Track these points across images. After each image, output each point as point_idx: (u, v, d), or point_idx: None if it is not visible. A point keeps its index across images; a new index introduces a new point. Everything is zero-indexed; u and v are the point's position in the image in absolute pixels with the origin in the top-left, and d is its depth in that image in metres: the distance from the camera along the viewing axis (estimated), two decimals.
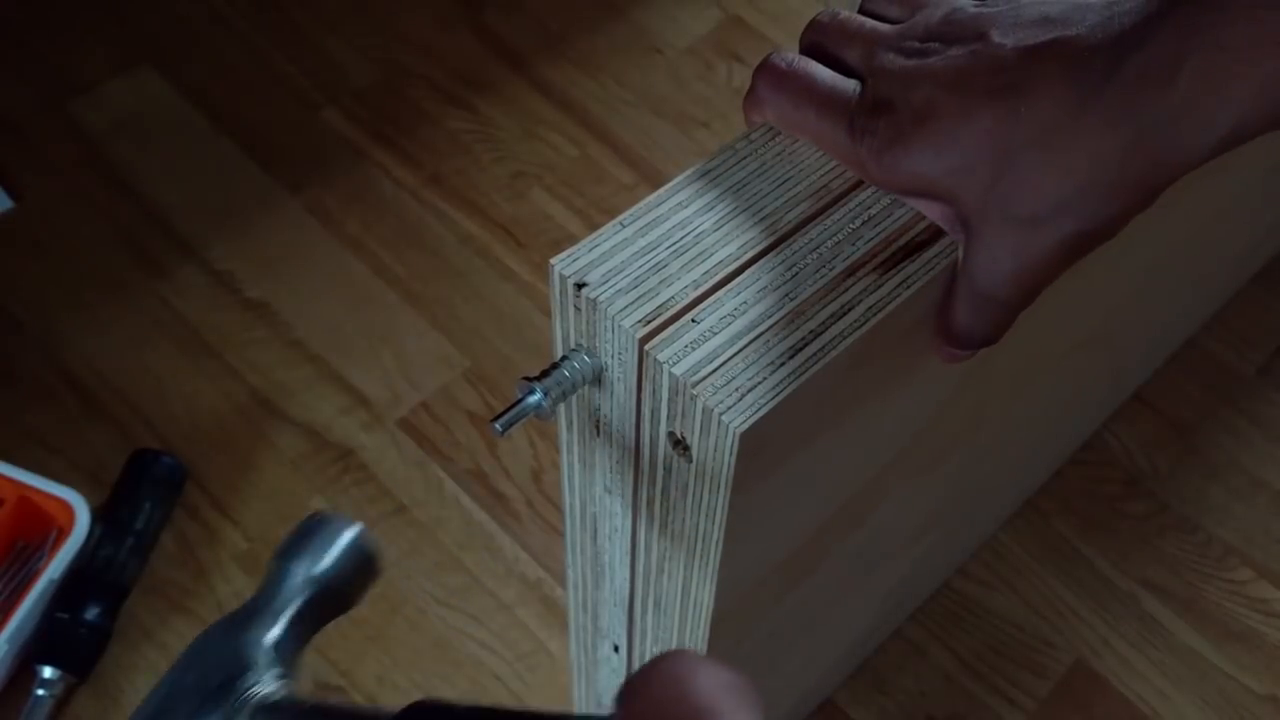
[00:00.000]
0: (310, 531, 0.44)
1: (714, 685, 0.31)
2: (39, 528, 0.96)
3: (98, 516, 0.97)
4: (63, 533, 0.94)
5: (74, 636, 0.92)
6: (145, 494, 0.99)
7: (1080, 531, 1.04)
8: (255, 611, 0.42)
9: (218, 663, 0.41)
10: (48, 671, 0.91)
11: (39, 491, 0.95)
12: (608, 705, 0.65)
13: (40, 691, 0.91)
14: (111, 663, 0.94)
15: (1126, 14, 0.40)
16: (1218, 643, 0.99)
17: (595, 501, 0.55)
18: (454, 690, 0.94)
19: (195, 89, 1.28)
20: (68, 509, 0.95)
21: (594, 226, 1.12)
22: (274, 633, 0.42)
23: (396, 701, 0.93)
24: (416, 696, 0.94)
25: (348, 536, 0.44)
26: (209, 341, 1.11)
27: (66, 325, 1.11)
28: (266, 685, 0.40)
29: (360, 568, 0.44)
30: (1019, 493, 1.02)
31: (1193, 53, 0.39)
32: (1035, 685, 0.97)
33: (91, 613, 0.93)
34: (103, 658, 0.94)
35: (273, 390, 1.08)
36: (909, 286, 0.45)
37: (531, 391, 0.45)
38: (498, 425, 0.45)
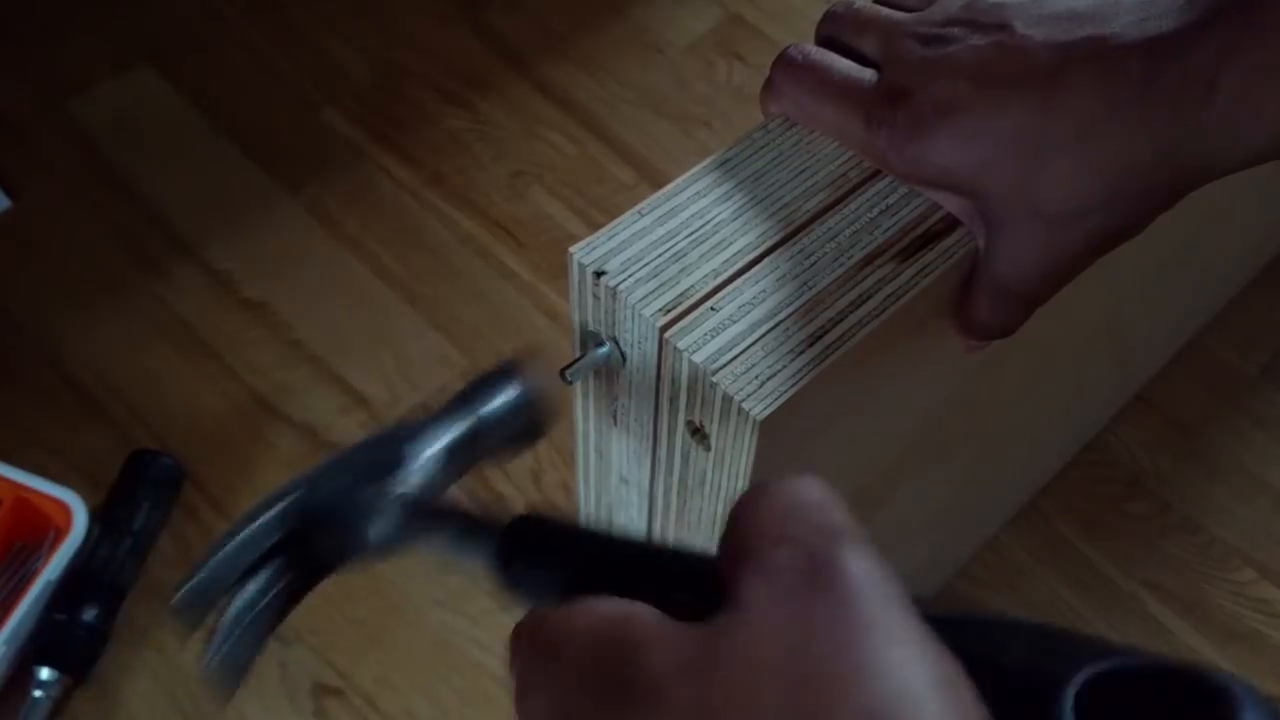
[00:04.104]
0: (495, 374, 0.47)
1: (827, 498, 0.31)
2: (36, 528, 0.95)
3: (95, 517, 0.96)
4: (60, 533, 0.94)
5: (71, 637, 0.92)
6: (143, 495, 0.98)
7: (1082, 532, 1.04)
8: (422, 427, 0.45)
9: (377, 457, 0.45)
10: (45, 673, 0.90)
11: (36, 492, 0.95)
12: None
13: (38, 693, 0.90)
14: (109, 664, 0.94)
15: (1162, 17, 0.40)
16: (1220, 644, 0.99)
17: (611, 491, 0.54)
18: (453, 692, 0.94)
19: (194, 88, 1.27)
20: (65, 510, 0.94)
21: (595, 226, 1.11)
22: (434, 449, 0.45)
23: (395, 704, 0.93)
24: (416, 698, 0.95)
25: (522, 391, 0.46)
26: (207, 341, 1.10)
27: (64, 325, 1.10)
28: (414, 487, 0.44)
29: (527, 423, 0.47)
30: (1025, 490, 1.02)
31: (1231, 71, 0.38)
32: None
33: (89, 614, 0.93)
34: (100, 659, 0.94)
35: (272, 390, 1.08)
36: (927, 275, 0.45)
37: (600, 343, 0.45)
38: (567, 375, 0.45)
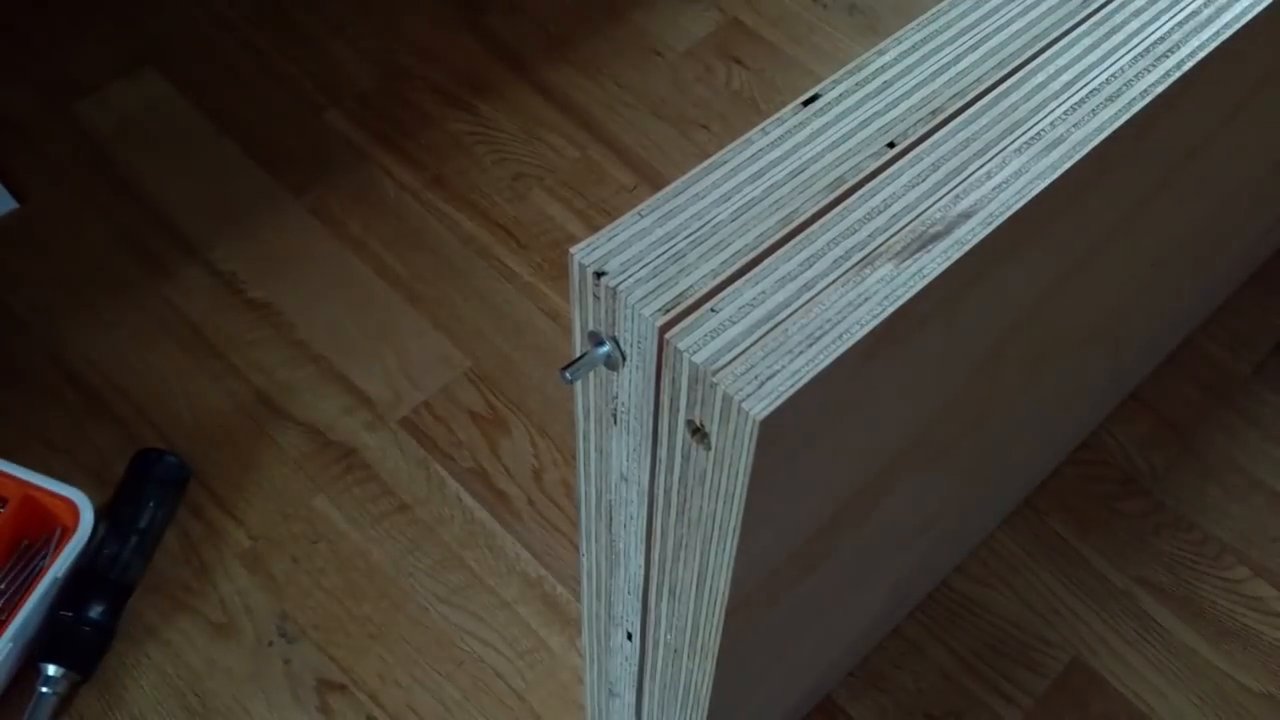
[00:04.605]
0: None
1: None
2: (43, 526, 0.96)
3: (101, 515, 0.97)
4: (67, 531, 0.95)
5: (78, 635, 0.93)
6: (149, 493, 0.99)
7: (1077, 530, 1.05)
8: None
9: None
10: (51, 669, 0.91)
11: (43, 490, 0.96)
12: None
13: (44, 689, 0.91)
14: (115, 661, 0.95)
15: None
16: (1214, 641, 1.00)
17: (611, 489, 0.55)
18: (456, 688, 0.95)
19: (198, 90, 1.28)
20: (72, 508, 0.95)
21: (595, 227, 1.12)
22: None
23: (399, 700, 0.94)
24: (419, 694, 0.96)
25: None
26: (212, 341, 1.11)
27: (70, 325, 1.11)
28: None
29: None
30: (1022, 488, 1.03)
31: None
32: (1032, 683, 0.97)
33: (95, 611, 0.94)
34: (106, 656, 0.95)
35: (276, 390, 1.09)
36: (924, 277, 0.46)
37: (601, 343, 0.46)
38: (567, 374, 0.46)
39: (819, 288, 0.45)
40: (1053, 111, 0.51)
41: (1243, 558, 1.04)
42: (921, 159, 0.49)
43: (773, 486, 0.47)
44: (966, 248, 0.47)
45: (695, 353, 0.43)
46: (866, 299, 0.45)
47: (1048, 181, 0.49)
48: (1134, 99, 0.52)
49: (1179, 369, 1.14)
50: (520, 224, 1.21)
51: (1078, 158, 0.50)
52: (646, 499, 0.53)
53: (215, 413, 1.07)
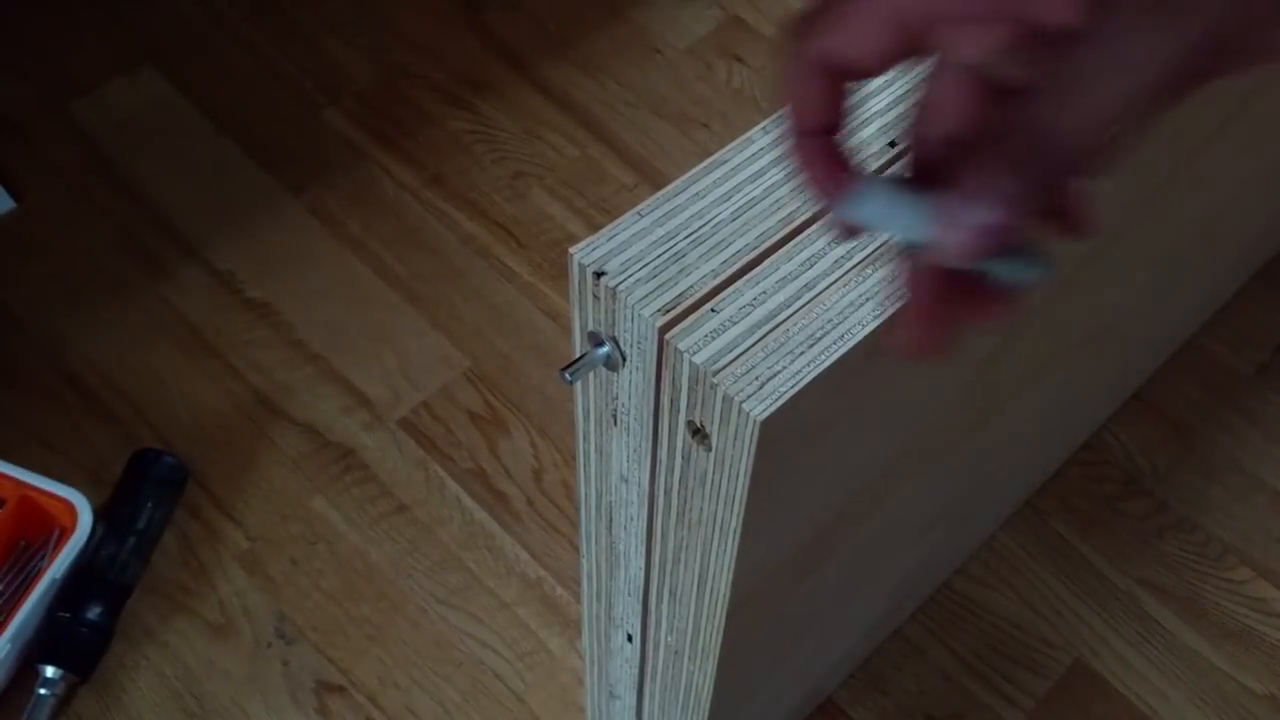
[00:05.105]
0: None
1: None
2: (41, 527, 0.96)
3: (99, 516, 0.97)
4: (65, 532, 0.94)
5: (76, 636, 0.92)
6: (147, 493, 0.99)
7: (1079, 531, 1.04)
8: None
9: None
10: (50, 671, 0.91)
11: (41, 491, 0.95)
12: None
13: (42, 691, 0.91)
14: (113, 662, 0.94)
15: None
16: (1216, 642, 0.99)
17: (611, 490, 0.55)
18: (454, 689, 0.94)
19: (197, 90, 1.28)
20: (70, 509, 0.95)
21: (595, 227, 1.12)
22: None
23: (397, 701, 0.93)
24: (418, 695, 0.95)
25: None
26: (211, 341, 1.11)
27: (68, 325, 1.11)
28: None
29: None
30: (1024, 489, 1.03)
31: None
32: (1034, 684, 0.97)
33: (93, 612, 0.94)
34: (105, 657, 0.94)
35: (274, 390, 1.08)
36: None
37: (600, 343, 0.46)
38: (567, 375, 0.45)
39: (820, 288, 0.45)
40: None
41: (1245, 559, 1.03)
42: None
43: (774, 488, 0.46)
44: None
45: (696, 353, 0.43)
46: (868, 299, 0.45)
47: None
48: None
49: (1181, 369, 1.13)
50: (520, 223, 1.20)
51: None
52: (647, 500, 0.52)
53: (213, 413, 1.07)
